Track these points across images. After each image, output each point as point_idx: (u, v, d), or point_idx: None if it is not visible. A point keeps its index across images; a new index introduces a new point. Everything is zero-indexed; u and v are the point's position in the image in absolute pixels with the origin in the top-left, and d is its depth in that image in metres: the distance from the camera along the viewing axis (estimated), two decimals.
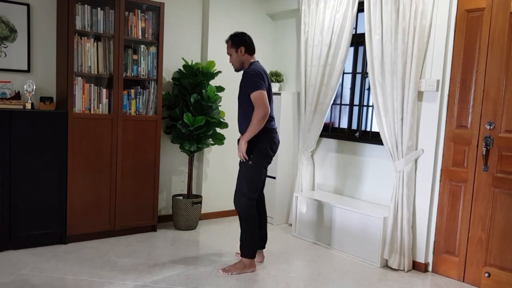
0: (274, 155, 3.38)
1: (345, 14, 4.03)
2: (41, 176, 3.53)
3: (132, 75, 3.96)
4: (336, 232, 3.92)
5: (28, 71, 3.73)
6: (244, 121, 3.26)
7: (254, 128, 3.15)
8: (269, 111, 3.20)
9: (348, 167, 4.25)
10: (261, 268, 3.44)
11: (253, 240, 3.34)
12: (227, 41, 3.35)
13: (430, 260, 3.57)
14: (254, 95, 3.12)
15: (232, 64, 3.39)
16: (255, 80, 3.15)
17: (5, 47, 3.63)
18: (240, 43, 3.29)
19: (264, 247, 3.59)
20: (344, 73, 4.32)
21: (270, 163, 3.39)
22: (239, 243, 3.39)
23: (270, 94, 3.30)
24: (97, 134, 3.75)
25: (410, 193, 3.56)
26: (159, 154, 4.09)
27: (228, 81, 4.69)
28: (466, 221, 3.36)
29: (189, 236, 4.13)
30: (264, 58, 5.04)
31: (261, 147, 3.25)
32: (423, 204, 3.56)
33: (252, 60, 3.34)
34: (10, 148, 3.39)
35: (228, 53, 3.35)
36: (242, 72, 3.33)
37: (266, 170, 3.43)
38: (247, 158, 3.24)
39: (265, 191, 4.74)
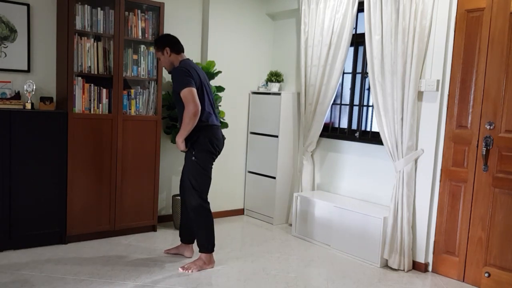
0: (218, 152, 3.37)
1: (345, 14, 4.03)
2: (41, 176, 3.53)
3: (132, 75, 3.96)
4: (336, 232, 3.92)
5: (28, 71, 3.73)
6: (181, 119, 3.22)
7: (186, 126, 3.13)
8: (203, 108, 3.16)
9: (348, 167, 4.25)
10: (261, 268, 3.44)
11: (210, 234, 3.34)
12: (153, 47, 3.34)
13: (430, 260, 3.57)
14: (183, 93, 3.10)
15: (164, 67, 3.42)
16: (183, 77, 3.13)
17: (5, 47, 3.63)
18: (163, 44, 3.31)
19: (193, 242, 3.57)
20: (344, 73, 4.32)
21: (214, 159, 3.36)
22: (197, 241, 3.39)
23: (206, 90, 3.27)
24: (97, 134, 3.75)
25: (410, 193, 3.56)
26: (159, 154, 4.09)
27: (228, 81, 4.69)
28: (466, 221, 3.36)
29: None
30: (264, 58, 5.04)
31: (202, 143, 3.23)
32: (423, 204, 3.56)
33: (181, 59, 3.32)
34: (10, 148, 3.39)
35: (157, 58, 3.39)
36: None
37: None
38: (191, 153, 3.25)
39: (265, 191, 4.76)
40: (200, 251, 3.37)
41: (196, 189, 3.29)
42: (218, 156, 4.74)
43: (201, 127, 3.22)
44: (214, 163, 3.40)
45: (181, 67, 3.21)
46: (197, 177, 3.29)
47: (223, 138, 3.41)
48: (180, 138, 3.20)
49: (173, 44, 3.32)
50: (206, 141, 3.25)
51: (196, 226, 3.34)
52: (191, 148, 3.28)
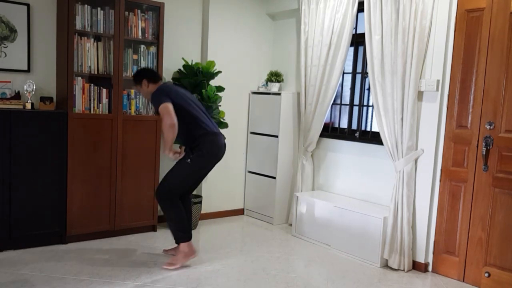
0: (217, 159, 3.42)
1: (345, 14, 4.03)
2: (41, 176, 3.53)
3: (132, 75, 3.96)
4: (336, 232, 3.92)
5: (28, 71, 3.73)
6: (179, 134, 3.31)
7: (166, 136, 3.21)
8: (195, 119, 3.29)
9: (348, 167, 4.25)
10: (261, 268, 3.44)
11: (182, 222, 3.34)
12: (133, 82, 3.51)
13: (430, 260, 3.57)
14: (160, 109, 3.21)
15: (146, 98, 3.55)
16: (157, 97, 3.25)
17: (5, 47, 3.63)
18: (141, 78, 3.43)
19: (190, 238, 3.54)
20: (344, 73, 4.32)
21: (211, 165, 3.43)
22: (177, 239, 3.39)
23: (193, 103, 3.38)
24: (97, 134, 3.75)
25: (410, 193, 3.56)
26: (159, 154, 4.09)
27: (228, 81, 4.69)
28: (466, 221, 3.36)
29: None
30: (264, 58, 5.04)
31: (201, 148, 3.30)
32: (423, 204, 3.56)
33: (158, 86, 3.41)
34: (10, 148, 3.39)
35: (138, 91, 3.55)
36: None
37: (204, 174, 3.51)
38: (188, 156, 3.32)
39: (265, 191, 4.76)
40: (177, 243, 3.38)
41: (172, 187, 3.31)
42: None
43: (200, 134, 3.29)
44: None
45: (156, 90, 3.33)
46: (181, 177, 3.33)
47: (224, 145, 3.44)
48: (166, 150, 3.26)
49: (149, 76, 3.43)
50: (204, 147, 3.30)
51: (167, 217, 3.37)
52: (190, 153, 3.33)
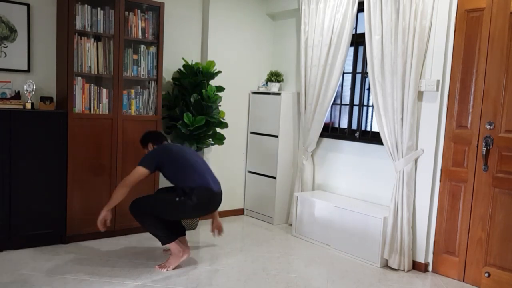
0: (206, 210, 3.41)
1: (345, 14, 4.03)
2: (41, 176, 3.53)
3: (132, 75, 3.96)
4: (336, 232, 3.92)
5: (28, 71, 3.73)
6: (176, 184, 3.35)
7: (114, 194, 3.25)
8: (189, 176, 3.27)
9: (348, 167, 4.25)
10: (261, 268, 3.44)
11: (161, 225, 3.27)
12: (140, 143, 3.59)
13: (430, 260, 3.57)
14: (135, 168, 3.26)
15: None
16: (145, 156, 3.35)
17: (5, 47, 3.63)
18: (147, 141, 3.52)
19: (183, 234, 3.55)
20: (344, 73, 4.32)
21: (196, 214, 3.47)
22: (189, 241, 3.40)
23: (190, 160, 3.34)
24: (97, 134, 3.75)
25: (410, 193, 3.56)
26: None
27: (228, 81, 4.69)
28: (466, 221, 3.36)
29: (189, 236, 4.12)
30: (264, 58, 5.04)
31: (191, 197, 3.21)
32: (423, 204, 3.56)
33: (156, 147, 3.47)
34: (10, 148, 3.39)
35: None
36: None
37: (186, 217, 3.48)
38: (176, 197, 3.26)
39: (265, 191, 4.76)
40: (163, 244, 3.35)
41: (147, 208, 3.27)
42: (219, 156, 4.78)
43: (193, 187, 3.23)
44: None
45: (151, 150, 3.42)
46: (162, 207, 3.26)
47: (218, 198, 3.38)
48: (104, 210, 3.25)
49: (155, 139, 3.51)
50: (198, 197, 3.23)
51: (143, 225, 3.32)
52: (182, 193, 3.25)
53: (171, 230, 3.35)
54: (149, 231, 3.33)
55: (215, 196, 3.34)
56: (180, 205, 3.23)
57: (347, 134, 4.31)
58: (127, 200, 3.93)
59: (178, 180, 3.30)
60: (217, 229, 3.62)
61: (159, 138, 3.53)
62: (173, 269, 3.29)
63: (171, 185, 3.40)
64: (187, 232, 4.22)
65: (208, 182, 3.31)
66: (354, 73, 4.29)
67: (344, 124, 4.41)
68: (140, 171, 3.24)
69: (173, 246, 3.32)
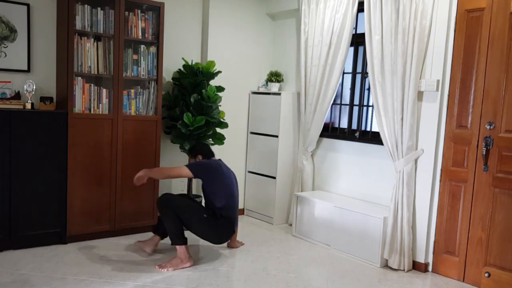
0: (224, 236, 3.57)
1: (345, 14, 4.03)
2: (41, 176, 3.53)
3: (132, 75, 3.96)
4: (336, 232, 3.92)
5: (28, 71, 3.73)
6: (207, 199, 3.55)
7: (158, 170, 3.54)
8: (224, 201, 3.48)
9: (348, 167, 4.25)
10: (261, 268, 3.44)
11: (178, 224, 3.36)
12: (188, 154, 3.81)
13: (430, 260, 3.57)
14: (183, 168, 3.43)
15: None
16: (194, 163, 3.53)
17: (5, 47, 3.63)
18: (196, 153, 3.68)
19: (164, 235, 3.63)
20: (344, 73, 4.32)
21: (214, 235, 3.52)
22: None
23: (227, 182, 3.55)
24: (97, 134, 3.75)
25: (410, 193, 3.56)
26: (159, 154, 4.09)
27: (228, 81, 4.69)
28: (466, 221, 3.36)
29: (189, 236, 4.12)
30: (264, 58, 5.04)
31: (217, 217, 3.46)
32: (423, 204, 3.56)
33: (206, 159, 3.65)
34: (10, 148, 3.39)
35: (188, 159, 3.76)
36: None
37: (199, 231, 3.52)
38: (204, 213, 3.47)
39: (265, 191, 4.76)
40: (172, 244, 3.38)
41: (176, 205, 3.40)
42: (218, 156, 4.77)
43: (222, 215, 3.47)
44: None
45: (202, 161, 3.60)
46: (189, 213, 3.41)
47: (234, 226, 3.60)
48: (145, 173, 3.41)
49: (205, 153, 3.68)
50: (222, 228, 3.49)
51: (163, 219, 3.41)
52: (209, 210, 3.48)
53: (184, 234, 3.42)
54: (166, 226, 3.38)
55: (235, 226, 3.61)
56: (205, 222, 3.42)
57: (347, 134, 4.31)
58: (128, 199, 3.94)
59: (214, 199, 3.48)
60: (237, 244, 3.92)
61: (210, 153, 3.70)
62: (172, 271, 3.29)
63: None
64: (187, 233, 4.22)
65: (235, 216, 3.58)
66: (354, 73, 4.29)
67: (344, 124, 4.41)
68: (184, 171, 3.42)
69: (182, 249, 3.36)
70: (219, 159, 3.69)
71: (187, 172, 3.42)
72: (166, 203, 3.40)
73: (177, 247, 3.36)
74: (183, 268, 3.33)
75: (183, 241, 3.36)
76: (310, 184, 4.53)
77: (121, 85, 3.84)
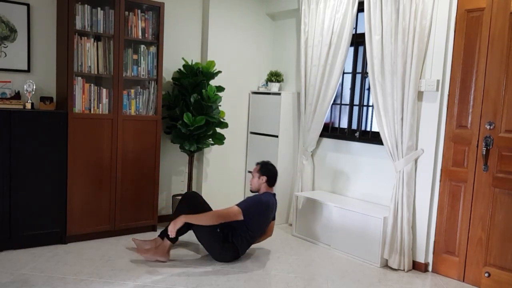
0: (230, 258, 3.55)
1: (345, 14, 4.03)
2: (41, 176, 3.53)
3: (132, 75, 3.96)
4: (336, 232, 3.92)
5: (28, 71, 3.73)
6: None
7: (200, 217, 3.37)
8: (254, 229, 3.50)
9: (348, 167, 4.25)
10: (261, 268, 3.44)
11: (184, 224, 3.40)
12: (257, 164, 3.73)
13: (430, 260, 3.57)
14: (233, 207, 3.44)
15: (251, 185, 3.72)
16: (251, 200, 3.51)
17: (5, 47, 3.63)
18: (264, 172, 3.64)
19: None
20: (344, 73, 4.32)
21: (219, 254, 3.52)
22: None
23: (260, 217, 3.54)
24: (97, 134, 3.75)
25: (410, 193, 3.56)
26: (159, 154, 4.09)
27: (228, 81, 4.70)
28: (466, 221, 3.36)
29: (189, 236, 4.12)
30: (264, 58, 5.04)
31: (237, 240, 3.48)
32: (423, 204, 3.56)
33: (267, 191, 3.65)
34: (10, 148, 3.39)
35: (252, 174, 3.72)
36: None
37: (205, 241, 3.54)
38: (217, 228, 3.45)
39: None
40: (161, 234, 3.53)
41: (193, 210, 3.48)
42: (219, 156, 4.78)
43: (246, 236, 3.50)
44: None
45: (261, 199, 3.54)
46: (205, 229, 3.42)
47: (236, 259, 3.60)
48: (186, 219, 3.35)
49: (271, 178, 3.66)
50: (227, 252, 3.47)
51: (176, 209, 3.62)
52: (223, 230, 3.46)
53: (179, 232, 3.43)
54: (173, 216, 3.49)
55: (240, 255, 3.60)
56: (214, 236, 3.42)
57: (347, 134, 4.31)
58: (128, 199, 3.94)
59: (248, 222, 3.46)
60: None
61: (274, 181, 3.68)
62: (144, 257, 3.40)
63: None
64: (187, 232, 4.22)
65: (246, 248, 3.58)
66: (354, 73, 4.29)
67: (344, 124, 4.41)
68: (236, 214, 3.40)
69: (167, 244, 3.42)
70: (274, 194, 3.66)
71: (238, 215, 3.39)
72: (189, 198, 3.51)
73: (166, 240, 3.42)
74: (157, 260, 3.41)
75: (174, 239, 3.42)
76: (310, 184, 4.53)
77: (121, 85, 3.84)
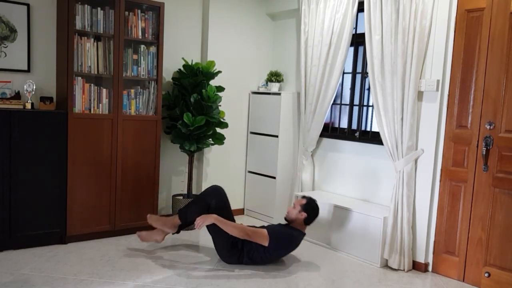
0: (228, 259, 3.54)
1: (345, 14, 4.03)
2: (41, 176, 3.53)
3: (132, 75, 3.96)
4: (336, 232, 3.92)
5: (28, 71, 3.73)
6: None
7: (231, 227, 3.34)
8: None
9: (348, 167, 4.25)
10: (261, 268, 3.44)
11: (197, 212, 3.43)
12: (303, 197, 3.62)
13: (430, 260, 3.57)
14: (264, 231, 3.35)
15: (288, 213, 3.60)
16: (280, 236, 3.40)
17: (5, 47, 3.63)
18: (308, 210, 3.52)
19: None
20: (344, 73, 4.32)
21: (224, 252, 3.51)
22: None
23: (280, 250, 3.49)
24: (97, 134, 3.75)
25: (410, 193, 3.56)
26: (159, 154, 4.09)
27: (228, 81, 4.70)
28: (466, 221, 3.36)
29: (189, 236, 4.13)
30: (264, 58, 5.04)
31: (254, 253, 3.43)
32: (423, 204, 3.56)
33: (301, 228, 3.54)
34: (10, 148, 3.39)
35: (294, 204, 3.60)
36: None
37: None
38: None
39: (265, 191, 4.76)
40: (178, 212, 3.59)
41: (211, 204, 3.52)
42: (219, 156, 4.78)
43: (259, 257, 3.43)
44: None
45: (292, 236, 3.47)
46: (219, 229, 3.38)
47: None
48: (216, 221, 3.32)
49: (310, 218, 3.55)
50: (233, 256, 3.45)
51: (203, 195, 3.62)
52: (237, 243, 3.42)
53: (186, 219, 3.52)
54: (192, 206, 3.54)
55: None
56: (226, 237, 3.37)
57: (347, 134, 4.31)
58: (128, 199, 3.94)
59: (260, 250, 3.40)
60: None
61: (309, 222, 3.57)
62: (140, 237, 3.57)
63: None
64: (187, 232, 4.22)
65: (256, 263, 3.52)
66: (354, 73, 4.29)
67: (344, 124, 4.41)
68: (263, 238, 3.33)
69: (176, 220, 3.53)
70: (304, 234, 3.57)
71: (265, 239, 3.33)
72: (219, 193, 3.56)
73: (177, 218, 3.52)
74: (166, 232, 3.54)
75: (184, 216, 3.51)
76: (310, 184, 4.53)
77: (121, 85, 3.84)
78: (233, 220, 3.54)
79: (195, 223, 3.33)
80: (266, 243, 3.34)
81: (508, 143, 3.14)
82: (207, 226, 3.43)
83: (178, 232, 3.59)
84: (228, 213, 3.53)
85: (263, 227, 3.45)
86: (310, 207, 3.54)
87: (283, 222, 3.66)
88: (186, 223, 3.56)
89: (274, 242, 3.34)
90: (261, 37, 4.99)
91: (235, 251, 3.43)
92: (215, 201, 3.52)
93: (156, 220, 3.56)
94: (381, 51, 3.68)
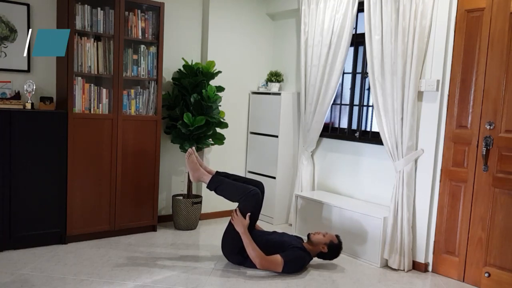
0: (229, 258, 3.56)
1: (345, 14, 4.03)
2: (41, 176, 3.53)
3: (132, 75, 3.96)
4: (336, 232, 3.92)
5: (28, 71, 3.73)
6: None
7: (251, 244, 3.33)
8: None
9: (348, 167, 4.25)
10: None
11: (232, 192, 3.48)
12: (337, 236, 3.56)
13: (430, 260, 3.57)
14: (278, 257, 3.31)
15: (315, 235, 3.54)
16: (296, 261, 3.37)
17: (5, 47, 3.63)
18: (330, 249, 3.49)
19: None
20: (344, 73, 4.32)
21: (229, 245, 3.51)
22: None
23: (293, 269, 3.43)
24: (97, 134, 3.75)
25: (410, 193, 3.56)
26: (159, 154, 4.09)
27: (228, 81, 4.70)
28: (466, 221, 3.36)
29: (189, 236, 4.13)
30: (264, 58, 5.04)
31: (240, 248, 3.41)
32: (423, 204, 3.56)
33: (312, 251, 3.49)
34: (10, 148, 3.39)
35: (326, 233, 3.56)
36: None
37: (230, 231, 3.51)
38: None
39: (265, 191, 4.74)
40: (212, 179, 3.55)
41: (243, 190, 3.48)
42: (219, 156, 4.78)
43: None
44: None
45: (305, 258, 3.44)
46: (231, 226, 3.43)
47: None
48: (244, 231, 3.34)
49: (329, 256, 3.53)
50: (235, 256, 3.46)
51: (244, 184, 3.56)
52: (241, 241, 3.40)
53: (216, 187, 3.52)
54: (229, 189, 3.52)
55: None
56: (236, 235, 3.37)
57: (347, 134, 4.31)
58: (128, 199, 3.94)
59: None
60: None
61: (330, 257, 3.55)
62: (189, 167, 3.57)
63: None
64: (187, 232, 4.22)
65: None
66: (354, 73, 4.29)
67: (344, 124, 4.41)
68: (277, 265, 3.31)
69: (213, 172, 3.63)
70: (312, 258, 3.53)
71: (279, 267, 3.31)
72: (262, 194, 3.57)
73: (215, 173, 3.60)
74: (202, 177, 3.56)
75: (219, 181, 3.52)
76: (310, 184, 4.53)
77: (121, 85, 3.84)
78: (256, 220, 3.56)
79: (231, 214, 3.41)
80: (279, 270, 3.32)
81: (508, 143, 3.14)
82: (228, 229, 3.46)
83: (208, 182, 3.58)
84: (256, 219, 3.54)
85: (274, 232, 3.51)
86: (334, 250, 3.50)
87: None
88: (213, 186, 3.53)
89: (286, 269, 3.33)
90: (261, 37, 4.99)
91: (240, 256, 3.44)
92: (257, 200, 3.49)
93: (196, 159, 3.61)
94: (381, 51, 3.68)
